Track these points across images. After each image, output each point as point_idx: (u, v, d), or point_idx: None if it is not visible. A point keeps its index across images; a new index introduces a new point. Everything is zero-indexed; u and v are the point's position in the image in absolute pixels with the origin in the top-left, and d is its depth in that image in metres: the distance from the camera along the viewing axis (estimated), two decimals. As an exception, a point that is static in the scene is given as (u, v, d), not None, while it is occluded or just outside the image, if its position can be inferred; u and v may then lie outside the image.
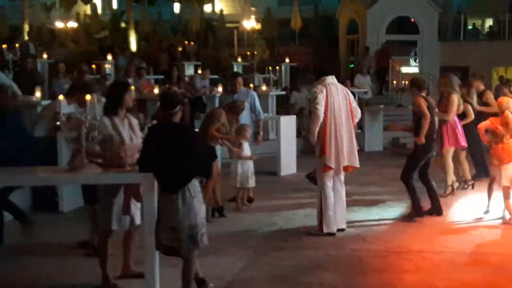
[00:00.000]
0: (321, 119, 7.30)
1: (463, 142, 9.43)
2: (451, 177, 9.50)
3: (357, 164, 7.57)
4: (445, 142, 9.32)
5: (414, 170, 8.31)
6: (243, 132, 8.75)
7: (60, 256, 6.68)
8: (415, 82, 8.57)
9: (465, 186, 9.91)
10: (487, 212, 8.34)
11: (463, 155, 9.91)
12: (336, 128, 7.33)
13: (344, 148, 7.37)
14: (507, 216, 7.98)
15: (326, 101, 7.32)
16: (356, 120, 7.72)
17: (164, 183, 5.10)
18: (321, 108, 7.28)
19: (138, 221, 5.70)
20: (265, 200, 9.31)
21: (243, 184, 8.71)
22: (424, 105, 8.09)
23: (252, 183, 8.77)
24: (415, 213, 8.20)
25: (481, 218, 8.25)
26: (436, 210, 8.34)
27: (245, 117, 9.20)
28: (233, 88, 9.36)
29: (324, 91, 7.34)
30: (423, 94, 8.30)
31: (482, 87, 10.94)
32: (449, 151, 9.43)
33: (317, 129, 7.34)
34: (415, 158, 8.31)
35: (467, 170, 9.98)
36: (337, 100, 7.38)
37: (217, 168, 8.07)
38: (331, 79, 7.52)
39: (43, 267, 6.37)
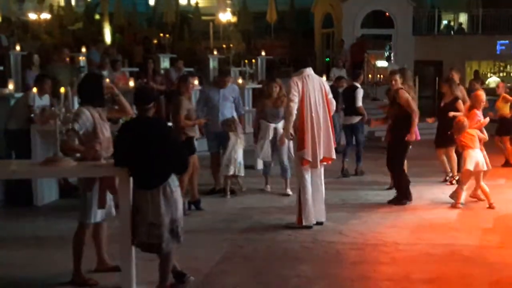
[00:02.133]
0: (294, 116, 7.32)
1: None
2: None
3: (334, 156, 7.60)
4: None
5: (402, 159, 8.66)
6: (231, 124, 9.05)
7: (34, 250, 6.61)
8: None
9: (452, 181, 10.00)
10: (462, 204, 8.56)
11: (452, 150, 9.99)
12: (313, 121, 7.34)
13: (321, 141, 7.40)
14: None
15: (302, 94, 7.32)
16: (331, 112, 7.74)
17: (143, 179, 5.05)
18: (294, 105, 7.28)
19: (113, 212, 5.68)
20: (242, 194, 9.33)
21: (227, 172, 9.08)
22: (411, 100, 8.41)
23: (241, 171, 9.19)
24: (400, 200, 8.51)
25: (455, 208, 8.42)
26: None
27: (228, 111, 9.22)
28: (221, 84, 9.29)
29: (300, 84, 7.35)
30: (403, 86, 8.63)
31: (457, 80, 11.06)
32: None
33: (290, 126, 7.38)
34: (403, 150, 8.64)
35: (447, 165, 10.09)
36: (313, 93, 7.39)
37: (194, 161, 8.03)
38: (309, 71, 7.52)
39: (15, 260, 6.29)
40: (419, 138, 9.51)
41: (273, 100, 9.19)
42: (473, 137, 8.54)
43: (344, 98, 11.52)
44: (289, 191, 9.09)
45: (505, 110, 11.70)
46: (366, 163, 11.51)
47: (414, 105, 8.73)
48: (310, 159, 7.35)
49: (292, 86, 7.33)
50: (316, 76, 7.62)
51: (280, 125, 8.80)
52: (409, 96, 8.61)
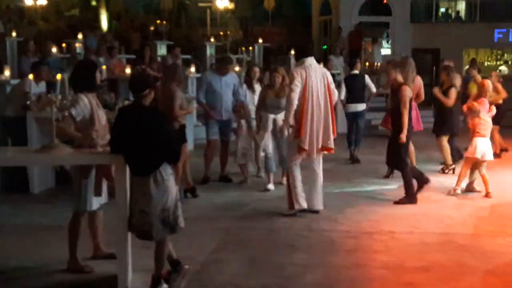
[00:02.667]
0: (295, 106, 7.33)
1: (419, 127, 9.55)
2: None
3: (332, 146, 7.59)
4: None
5: (406, 156, 8.33)
6: (240, 110, 9.13)
7: (30, 237, 6.63)
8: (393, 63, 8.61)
9: (446, 171, 10.05)
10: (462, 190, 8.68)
11: (445, 139, 10.02)
12: (314, 111, 7.36)
13: (320, 131, 7.40)
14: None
15: (304, 84, 7.33)
16: (333, 102, 7.75)
17: (135, 166, 5.06)
18: (295, 95, 7.29)
19: (105, 200, 5.70)
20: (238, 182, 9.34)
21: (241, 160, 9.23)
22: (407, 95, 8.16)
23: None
24: (408, 200, 8.18)
25: (450, 197, 8.46)
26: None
27: (229, 98, 9.19)
28: (223, 71, 9.25)
29: (304, 74, 7.35)
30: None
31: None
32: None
33: (291, 116, 7.39)
34: (404, 144, 8.23)
35: (449, 154, 10.10)
36: (315, 82, 7.39)
37: (186, 150, 8.02)
38: (311, 61, 7.52)
39: (11, 247, 6.31)
40: (421, 128, 9.53)
41: (275, 90, 8.76)
42: (487, 124, 8.51)
43: (347, 86, 11.50)
44: (284, 181, 8.68)
45: (495, 99, 11.68)
46: (362, 152, 11.54)
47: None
48: (306, 147, 7.37)
49: (295, 77, 7.34)
50: (318, 66, 7.64)
51: (280, 116, 8.57)
52: (410, 95, 8.28)
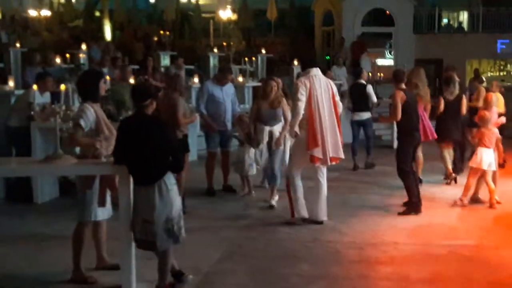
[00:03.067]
0: (301, 115, 7.36)
1: (430, 136, 9.54)
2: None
3: (342, 155, 7.61)
4: None
5: (406, 164, 8.30)
6: (243, 119, 9.09)
7: (34, 247, 6.62)
8: (393, 74, 8.66)
9: (447, 180, 10.04)
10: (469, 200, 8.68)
11: (445, 148, 10.02)
12: (321, 120, 7.38)
13: (329, 141, 7.41)
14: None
15: (309, 93, 7.36)
16: (338, 114, 7.77)
17: (138, 176, 5.06)
18: (301, 105, 7.33)
19: (110, 212, 5.70)
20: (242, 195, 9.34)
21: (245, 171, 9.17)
22: (399, 100, 8.19)
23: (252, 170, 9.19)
24: (412, 210, 8.17)
25: (454, 208, 8.45)
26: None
27: (230, 108, 9.21)
28: (223, 81, 9.26)
29: (308, 84, 7.38)
30: (403, 86, 8.40)
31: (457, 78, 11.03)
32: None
33: (296, 125, 7.41)
34: (402, 152, 8.31)
35: (449, 164, 10.10)
36: (320, 92, 7.42)
37: (187, 160, 8.02)
38: (316, 71, 7.56)
39: (15, 258, 6.31)
40: (429, 138, 9.52)
41: (270, 100, 8.47)
42: (493, 135, 8.54)
43: (352, 95, 11.82)
44: (274, 202, 8.45)
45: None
46: (364, 161, 11.55)
47: (398, 111, 8.34)
48: (321, 156, 7.39)
49: (300, 86, 7.38)
50: (323, 77, 7.66)
51: (276, 128, 8.43)
52: (399, 101, 8.22)
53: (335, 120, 7.52)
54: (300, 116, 7.37)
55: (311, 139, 7.36)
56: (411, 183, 8.23)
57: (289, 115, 8.11)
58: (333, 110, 7.50)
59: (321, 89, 7.45)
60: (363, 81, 11.80)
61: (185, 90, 8.77)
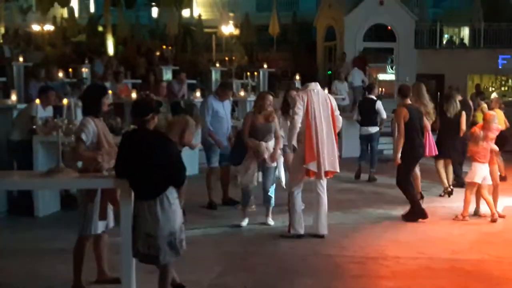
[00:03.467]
0: (298, 129, 7.39)
1: (434, 152, 9.59)
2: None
3: (338, 169, 7.63)
4: None
5: (407, 175, 8.57)
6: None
7: (34, 261, 6.61)
8: (399, 89, 8.80)
9: (441, 194, 10.09)
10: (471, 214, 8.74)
11: (441, 163, 10.06)
12: (317, 134, 7.39)
13: (325, 154, 7.43)
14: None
15: (307, 107, 7.39)
16: (337, 129, 7.78)
17: (141, 190, 5.07)
18: (298, 119, 7.36)
19: (111, 224, 5.69)
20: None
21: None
22: (402, 118, 8.34)
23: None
24: (415, 216, 8.36)
25: (456, 222, 8.44)
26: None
27: (229, 125, 9.33)
28: (224, 97, 9.30)
29: (305, 98, 7.41)
30: (408, 101, 8.51)
31: (460, 98, 11.03)
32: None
33: (294, 138, 7.44)
34: (405, 166, 8.54)
35: (445, 178, 10.13)
36: (317, 106, 7.45)
37: None
38: (314, 86, 7.60)
39: (16, 271, 6.29)
40: (436, 153, 9.62)
41: (266, 114, 8.05)
42: (486, 151, 8.57)
43: (361, 110, 12.14)
44: (270, 221, 8.28)
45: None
46: (366, 176, 11.55)
47: (402, 128, 8.52)
48: (315, 170, 7.40)
49: (298, 100, 7.42)
50: (321, 91, 7.71)
51: (270, 143, 8.07)
52: (402, 120, 8.43)
53: (333, 134, 7.54)
54: (297, 130, 7.39)
55: (308, 153, 7.38)
56: (413, 192, 8.49)
57: (280, 131, 8.16)
58: (331, 124, 7.52)
59: (319, 103, 7.48)
60: (373, 97, 12.17)
61: (199, 120, 8.79)
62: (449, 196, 10.08)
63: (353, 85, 19.42)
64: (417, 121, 8.57)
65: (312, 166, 7.40)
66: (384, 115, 12.00)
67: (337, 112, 7.72)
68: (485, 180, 8.56)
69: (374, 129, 11.95)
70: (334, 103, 7.72)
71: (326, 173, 7.53)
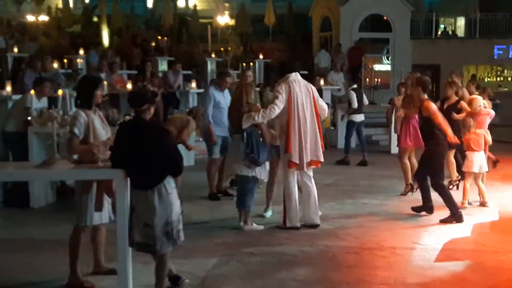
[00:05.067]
0: (271, 117, 7.34)
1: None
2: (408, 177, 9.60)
3: (322, 159, 7.59)
4: (402, 141, 9.50)
5: (440, 176, 8.14)
6: None
7: (30, 252, 6.61)
8: (421, 82, 8.25)
9: (450, 187, 10.00)
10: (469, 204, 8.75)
11: (451, 154, 10.01)
12: (300, 124, 7.40)
13: (308, 144, 7.43)
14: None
15: (289, 98, 7.37)
16: (322, 117, 7.81)
17: (138, 180, 5.06)
18: (277, 110, 7.31)
19: (112, 216, 5.68)
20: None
21: None
22: (436, 111, 7.97)
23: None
24: (452, 219, 7.94)
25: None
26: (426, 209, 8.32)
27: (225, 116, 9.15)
28: (223, 85, 9.28)
29: (287, 89, 7.38)
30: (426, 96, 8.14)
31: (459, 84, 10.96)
32: (407, 151, 9.57)
33: (262, 126, 7.37)
34: (436, 163, 8.03)
35: (454, 169, 10.07)
36: (300, 96, 7.44)
37: None
38: (295, 76, 7.56)
39: (11, 262, 6.29)
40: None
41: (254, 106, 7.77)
42: (480, 138, 8.63)
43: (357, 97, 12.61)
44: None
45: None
46: (363, 167, 11.56)
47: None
48: (297, 161, 7.39)
49: (280, 92, 7.37)
50: (303, 81, 7.63)
51: None
52: (437, 109, 8.12)
53: (316, 124, 7.53)
54: (270, 118, 7.34)
55: (286, 144, 7.39)
56: (448, 194, 8.06)
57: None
58: (314, 114, 7.50)
59: (302, 93, 7.46)
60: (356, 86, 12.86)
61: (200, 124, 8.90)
62: (457, 188, 9.73)
63: (319, 66, 20.06)
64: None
65: (294, 158, 7.39)
66: (366, 101, 13.08)
67: (320, 101, 7.71)
68: (481, 168, 8.62)
69: (362, 117, 12.67)
70: (316, 93, 7.68)
71: (310, 163, 7.51)
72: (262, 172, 7.58)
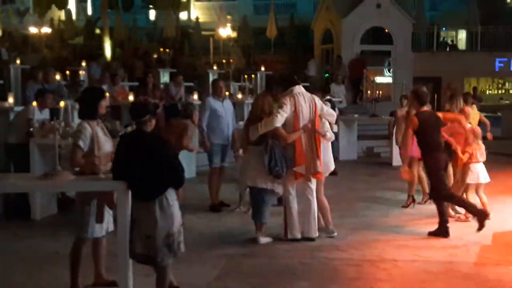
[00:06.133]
0: (274, 125, 7.25)
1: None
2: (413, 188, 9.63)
3: (319, 170, 7.45)
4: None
5: (442, 185, 8.05)
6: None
7: (31, 264, 6.60)
8: (416, 95, 8.20)
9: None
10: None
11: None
12: (306, 136, 7.39)
13: (310, 156, 7.41)
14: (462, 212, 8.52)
15: (295, 110, 7.36)
16: (333, 123, 7.86)
17: (139, 191, 5.07)
18: (279, 120, 7.26)
19: (111, 228, 5.68)
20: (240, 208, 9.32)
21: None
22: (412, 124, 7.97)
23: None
24: (480, 219, 7.82)
25: (453, 225, 8.43)
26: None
27: (231, 124, 9.28)
28: (218, 92, 9.32)
29: (292, 101, 7.39)
30: (425, 108, 8.08)
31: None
32: (413, 162, 9.56)
33: (259, 131, 7.32)
34: (435, 174, 8.03)
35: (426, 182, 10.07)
36: (305, 108, 7.44)
37: None
38: (298, 89, 7.56)
39: (12, 274, 6.27)
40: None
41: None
42: (481, 149, 8.56)
43: None
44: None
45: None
46: (364, 179, 11.55)
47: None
48: (304, 172, 7.39)
49: (285, 103, 7.36)
50: (307, 94, 7.61)
51: None
52: (411, 131, 8.02)
53: (316, 135, 7.47)
54: (272, 127, 7.25)
55: (298, 156, 7.36)
56: (443, 204, 8.02)
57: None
58: (314, 126, 7.44)
59: (306, 105, 7.46)
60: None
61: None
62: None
63: (308, 75, 20.60)
64: (433, 126, 8.02)
65: (301, 169, 7.39)
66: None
67: (325, 109, 7.69)
68: (486, 178, 8.58)
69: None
70: (318, 103, 7.61)
71: (315, 174, 7.52)
72: (279, 185, 7.54)
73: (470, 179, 8.61)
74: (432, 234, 7.91)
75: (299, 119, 7.37)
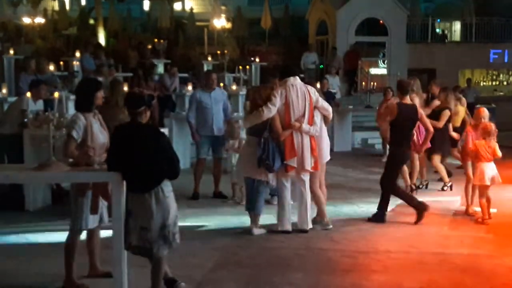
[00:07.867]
0: (261, 119, 7.25)
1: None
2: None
3: (312, 164, 7.47)
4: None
5: (395, 179, 8.38)
6: (234, 126, 9.18)
7: (25, 255, 6.59)
8: (398, 86, 8.47)
9: (444, 188, 10.08)
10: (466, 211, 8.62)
11: (438, 158, 10.07)
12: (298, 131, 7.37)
13: (302, 149, 7.39)
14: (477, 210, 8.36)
15: (286, 102, 7.34)
16: (329, 117, 7.82)
17: (135, 183, 5.05)
18: (268, 114, 7.25)
19: (106, 219, 5.66)
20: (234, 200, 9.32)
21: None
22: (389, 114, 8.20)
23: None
24: (420, 212, 8.06)
25: (447, 217, 8.46)
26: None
27: (220, 115, 9.28)
28: (209, 84, 9.37)
29: (284, 94, 7.36)
30: (407, 99, 8.23)
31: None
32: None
33: (249, 122, 7.41)
34: (394, 166, 8.32)
35: (445, 173, 10.14)
36: (296, 102, 7.40)
37: None
38: (293, 80, 7.52)
39: (6, 266, 6.26)
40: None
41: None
42: (491, 149, 8.08)
43: None
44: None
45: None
46: (359, 171, 11.57)
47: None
48: (295, 165, 7.38)
49: (275, 96, 7.34)
50: (302, 85, 7.55)
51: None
52: (389, 118, 8.31)
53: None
54: (261, 120, 7.25)
55: (289, 149, 7.35)
56: (404, 193, 8.35)
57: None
58: (310, 117, 7.41)
59: (298, 98, 7.41)
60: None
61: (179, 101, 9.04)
62: (451, 189, 10.05)
63: (306, 67, 20.65)
64: (408, 119, 8.15)
65: (292, 162, 7.37)
66: None
67: (320, 103, 7.64)
68: (494, 179, 8.11)
69: None
70: (313, 95, 7.55)
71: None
72: (274, 177, 7.54)
73: (475, 180, 8.23)
74: (371, 220, 8.16)
75: (290, 112, 7.35)
